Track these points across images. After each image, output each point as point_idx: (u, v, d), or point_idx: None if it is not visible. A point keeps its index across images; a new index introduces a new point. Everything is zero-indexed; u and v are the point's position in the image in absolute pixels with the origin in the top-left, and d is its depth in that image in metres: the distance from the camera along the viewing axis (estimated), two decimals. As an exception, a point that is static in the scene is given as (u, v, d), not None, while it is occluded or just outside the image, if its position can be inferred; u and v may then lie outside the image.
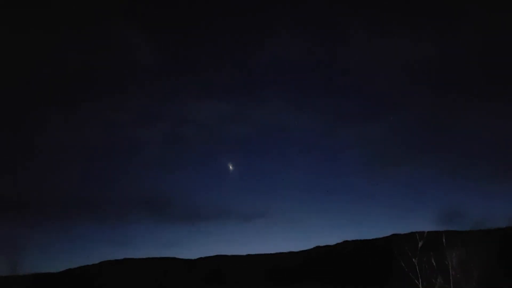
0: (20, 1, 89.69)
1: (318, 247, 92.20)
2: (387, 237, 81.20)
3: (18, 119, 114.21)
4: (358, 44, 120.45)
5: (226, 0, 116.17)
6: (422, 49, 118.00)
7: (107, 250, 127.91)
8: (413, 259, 34.87)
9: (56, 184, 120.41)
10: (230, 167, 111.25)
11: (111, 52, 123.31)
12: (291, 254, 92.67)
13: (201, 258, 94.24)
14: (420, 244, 35.00)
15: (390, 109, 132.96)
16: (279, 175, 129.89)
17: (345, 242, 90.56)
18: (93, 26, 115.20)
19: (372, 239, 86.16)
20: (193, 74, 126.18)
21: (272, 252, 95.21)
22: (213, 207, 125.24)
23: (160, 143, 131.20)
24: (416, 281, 35.14)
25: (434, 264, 34.73)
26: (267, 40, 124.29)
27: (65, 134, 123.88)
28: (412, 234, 43.00)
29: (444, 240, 35.30)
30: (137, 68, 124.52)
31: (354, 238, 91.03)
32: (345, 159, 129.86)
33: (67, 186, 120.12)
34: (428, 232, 37.03)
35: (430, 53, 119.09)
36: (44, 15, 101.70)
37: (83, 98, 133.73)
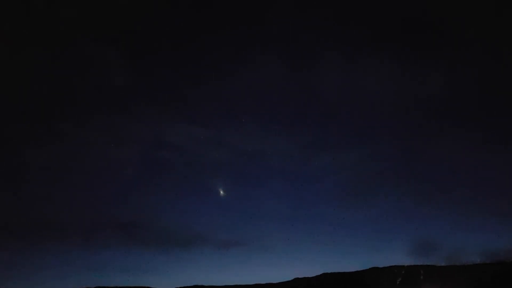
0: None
1: (296, 279, 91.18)
2: (365, 270, 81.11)
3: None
4: (334, 72, 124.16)
5: (203, 26, 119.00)
6: (397, 79, 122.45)
7: (77, 277, 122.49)
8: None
9: (25, 206, 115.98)
10: (221, 191, 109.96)
11: (86, 72, 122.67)
12: (269, 285, 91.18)
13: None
14: (398, 280, 35.29)
15: (365, 138, 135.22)
16: (257, 202, 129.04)
17: (324, 274, 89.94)
18: (68, 46, 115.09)
19: (351, 272, 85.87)
20: (169, 98, 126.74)
21: (250, 283, 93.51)
22: (189, 233, 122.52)
23: (136, 165, 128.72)
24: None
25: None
26: (243, 67, 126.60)
27: (35, 154, 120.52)
28: (390, 268, 43.43)
29: (421, 276, 35.71)
30: (113, 89, 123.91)
31: (333, 271, 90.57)
32: (321, 187, 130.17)
33: (36, 209, 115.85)
34: (406, 266, 37.46)
35: (405, 83, 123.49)
36: (18, 34, 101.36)
37: (57, 118, 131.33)
